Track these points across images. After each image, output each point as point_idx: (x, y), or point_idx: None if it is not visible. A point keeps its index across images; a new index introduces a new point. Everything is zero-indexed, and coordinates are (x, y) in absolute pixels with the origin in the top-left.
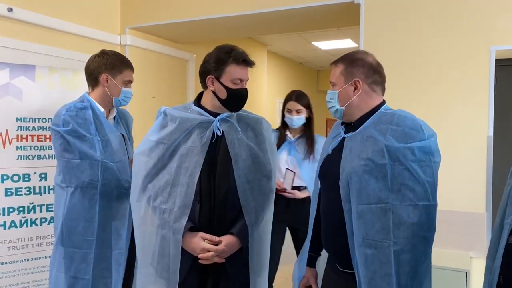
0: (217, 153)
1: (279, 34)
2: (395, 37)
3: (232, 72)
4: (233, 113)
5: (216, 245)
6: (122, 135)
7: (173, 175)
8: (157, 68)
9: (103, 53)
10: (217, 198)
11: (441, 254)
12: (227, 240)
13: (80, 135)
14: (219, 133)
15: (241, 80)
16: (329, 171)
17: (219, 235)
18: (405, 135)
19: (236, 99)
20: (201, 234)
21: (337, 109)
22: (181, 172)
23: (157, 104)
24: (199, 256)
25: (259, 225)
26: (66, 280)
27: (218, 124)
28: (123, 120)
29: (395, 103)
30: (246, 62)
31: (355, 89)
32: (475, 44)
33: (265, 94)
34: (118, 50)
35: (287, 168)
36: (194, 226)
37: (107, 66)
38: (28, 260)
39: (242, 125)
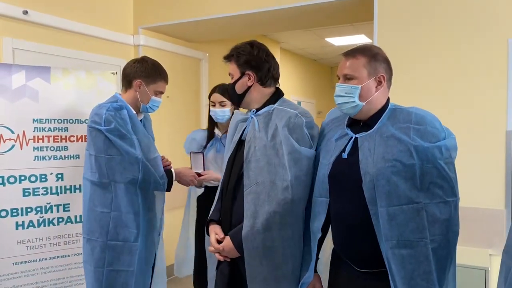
0: (239, 152)
1: (292, 31)
2: (410, 31)
3: None
4: (267, 108)
5: (220, 243)
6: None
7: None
8: (170, 67)
9: (143, 60)
10: (226, 197)
11: (460, 252)
12: (227, 241)
13: (122, 134)
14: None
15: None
16: (345, 174)
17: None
18: (429, 134)
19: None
20: (214, 227)
21: (356, 105)
22: (223, 168)
23: (171, 103)
24: (208, 248)
25: (264, 232)
26: (106, 274)
27: (249, 122)
28: (147, 122)
29: (410, 99)
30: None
31: (378, 84)
32: (492, 37)
33: None
34: (132, 50)
35: (191, 152)
36: (215, 219)
37: (143, 73)
38: (46, 259)
39: (271, 122)
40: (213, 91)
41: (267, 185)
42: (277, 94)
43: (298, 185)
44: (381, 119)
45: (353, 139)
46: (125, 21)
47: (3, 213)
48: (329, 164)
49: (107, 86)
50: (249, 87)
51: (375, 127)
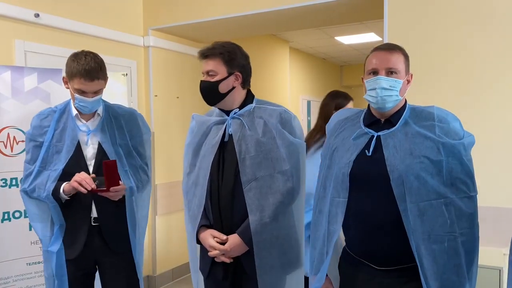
0: (227, 152)
1: (302, 30)
2: (420, 29)
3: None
4: (248, 107)
5: (223, 244)
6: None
7: (196, 175)
8: (180, 68)
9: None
10: (222, 197)
11: None
12: (232, 240)
13: (28, 140)
14: (230, 132)
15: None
16: (369, 172)
17: (230, 234)
18: (452, 132)
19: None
20: (211, 231)
21: (398, 99)
22: (200, 173)
23: (181, 104)
24: (208, 253)
25: (272, 222)
26: None
27: (229, 123)
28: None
29: (421, 97)
30: None
31: (408, 82)
32: (505, 34)
33: (288, 91)
34: (142, 51)
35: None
36: (207, 223)
37: (66, 68)
38: None
39: (257, 120)
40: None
41: (267, 178)
42: (252, 95)
43: (297, 175)
44: (403, 116)
45: (375, 137)
46: (135, 23)
47: (17, 214)
48: (349, 162)
49: (118, 88)
50: (233, 88)
51: (398, 124)
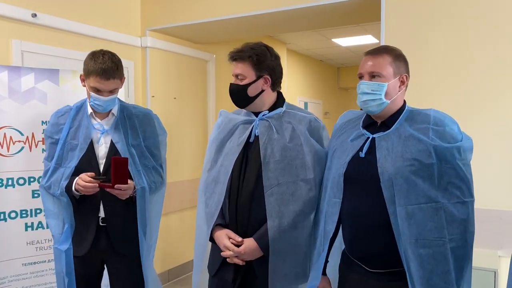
0: (251, 153)
1: (299, 32)
2: (417, 31)
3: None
4: (278, 111)
5: (238, 246)
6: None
7: (217, 172)
8: (177, 69)
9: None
10: (242, 199)
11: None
12: (248, 243)
13: (47, 138)
14: (257, 133)
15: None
16: (362, 173)
17: (244, 236)
18: (447, 135)
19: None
20: (227, 231)
21: (382, 102)
22: (221, 170)
23: (178, 105)
24: (221, 253)
25: (290, 230)
26: None
27: (257, 124)
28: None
29: (418, 100)
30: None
31: (402, 84)
32: (503, 37)
33: (286, 92)
34: (139, 52)
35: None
36: (223, 223)
37: (83, 65)
38: None
39: (285, 124)
40: None
41: (290, 185)
42: (282, 98)
43: (319, 184)
44: (399, 119)
45: (370, 139)
46: (132, 23)
47: (13, 215)
48: (344, 163)
49: None
50: (262, 91)
51: (393, 127)
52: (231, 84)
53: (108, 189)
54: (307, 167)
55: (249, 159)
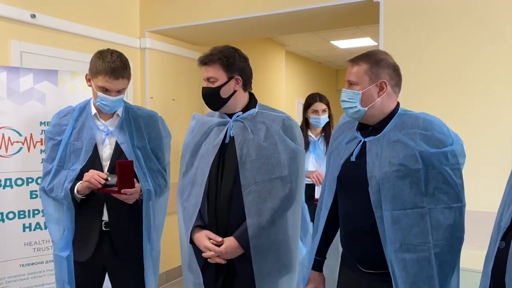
0: (227, 154)
1: (298, 34)
2: (416, 34)
3: None
4: (252, 111)
5: (219, 245)
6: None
7: (193, 175)
8: (176, 70)
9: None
10: (220, 199)
11: (462, 255)
12: (228, 243)
13: (47, 139)
14: (232, 134)
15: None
16: (353, 177)
17: (224, 236)
18: (435, 140)
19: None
20: (206, 232)
21: (358, 110)
22: (198, 172)
23: (177, 106)
24: (202, 254)
25: (269, 227)
26: None
27: (231, 125)
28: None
29: (416, 103)
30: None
31: (380, 90)
32: (499, 39)
33: (284, 94)
34: (138, 53)
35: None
36: (202, 224)
37: (90, 65)
38: (53, 261)
39: (259, 124)
40: (314, 100)
41: (267, 183)
42: (254, 99)
43: (295, 181)
44: (389, 124)
45: (361, 142)
46: (131, 25)
47: (11, 215)
48: (338, 166)
49: None
50: (235, 91)
51: (382, 132)
52: (203, 88)
53: (114, 195)
54: (282, 164)
55: (225, 160)
